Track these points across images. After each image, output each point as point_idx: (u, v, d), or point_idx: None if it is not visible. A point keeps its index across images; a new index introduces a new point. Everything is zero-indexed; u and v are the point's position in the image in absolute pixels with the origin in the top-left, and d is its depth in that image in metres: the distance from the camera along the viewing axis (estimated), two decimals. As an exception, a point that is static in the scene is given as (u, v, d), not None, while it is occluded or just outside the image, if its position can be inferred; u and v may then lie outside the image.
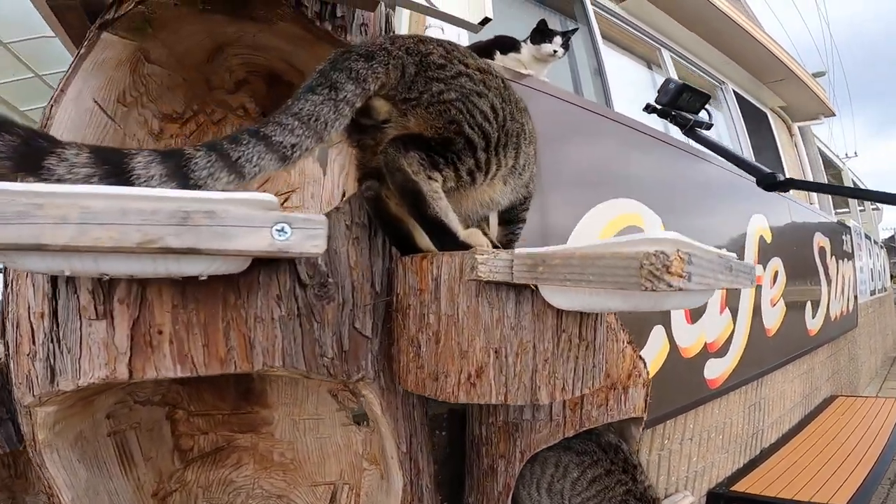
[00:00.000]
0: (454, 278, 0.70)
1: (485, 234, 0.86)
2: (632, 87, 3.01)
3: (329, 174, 0.98)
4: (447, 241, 0.73)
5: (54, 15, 0.91)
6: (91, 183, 0.51)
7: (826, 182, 5.33)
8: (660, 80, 3.28)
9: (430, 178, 0.73)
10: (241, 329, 0.66)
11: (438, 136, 0.74)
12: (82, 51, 0.77)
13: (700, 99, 1.34)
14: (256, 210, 0.52)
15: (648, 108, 1.40)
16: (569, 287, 0.62)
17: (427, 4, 0.84)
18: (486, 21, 0.90)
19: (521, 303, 0.69)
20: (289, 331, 0.70)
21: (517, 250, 0.67)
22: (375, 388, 0.80)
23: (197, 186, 0.55)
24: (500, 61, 1.59)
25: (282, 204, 1.01)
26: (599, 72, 2.47)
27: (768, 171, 1.23)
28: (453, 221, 0.75)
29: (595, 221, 1.55)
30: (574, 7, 2.83)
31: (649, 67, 3.31)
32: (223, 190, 0.57)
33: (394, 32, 1.02)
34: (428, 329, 0.73)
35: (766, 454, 2.80)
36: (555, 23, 2.82)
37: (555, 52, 1.57)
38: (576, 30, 1.84)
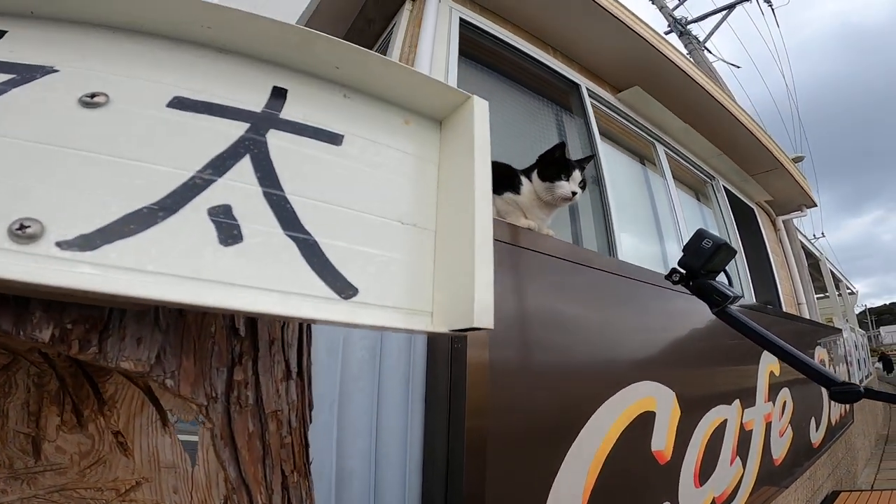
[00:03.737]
0: None
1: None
2: (629, 201, 2.73)
3: (200, 461, 0.57)
4: None
5: None
6: None
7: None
8: (653, 179, 3.08)
9: None
10: None
11: None
12: None
13: (729, 257, 1.04)
14: None
15: (675, 278, 1.06)
16: None
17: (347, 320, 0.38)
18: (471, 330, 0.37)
19: None
20: None
21: None
22: None
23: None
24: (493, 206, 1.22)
25: (125, 492, 0.58)
26: (598, 181, 2.16)
27: (841, 380, 0.93)
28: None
29: (609, 415, 1.17)
30: (571, 99, 2.58)
31: (642, 163, 3.08)
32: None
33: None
34: None
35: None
36: (544, 110, 2.53)
37: (573, 194, 1.10)
38: (591, 157, 1.51)
